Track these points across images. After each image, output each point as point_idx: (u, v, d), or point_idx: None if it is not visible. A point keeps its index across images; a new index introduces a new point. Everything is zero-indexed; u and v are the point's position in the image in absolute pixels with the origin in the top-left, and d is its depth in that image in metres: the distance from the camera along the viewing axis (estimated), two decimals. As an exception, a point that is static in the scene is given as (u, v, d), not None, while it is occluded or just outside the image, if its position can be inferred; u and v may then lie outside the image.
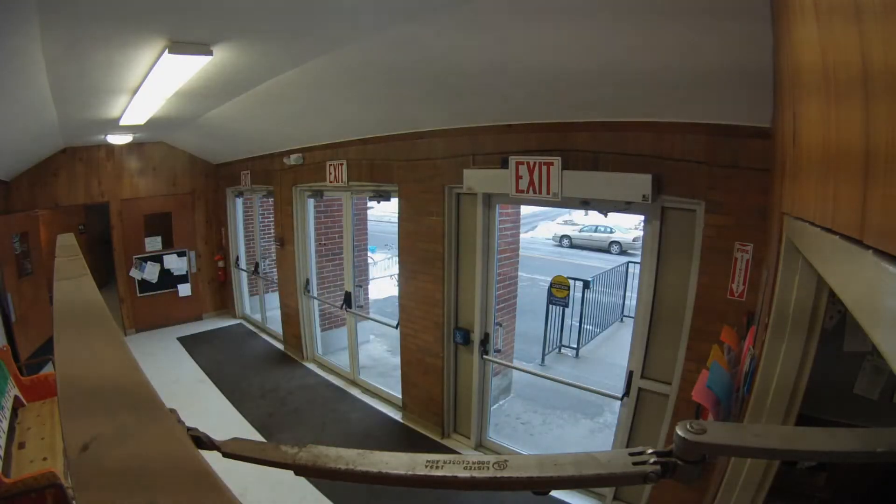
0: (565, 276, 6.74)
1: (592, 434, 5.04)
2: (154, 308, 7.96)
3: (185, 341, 7.52)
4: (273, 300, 7.50)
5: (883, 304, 0.55)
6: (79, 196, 7.23)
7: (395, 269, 5.13)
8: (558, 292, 6.54)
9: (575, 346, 7.39)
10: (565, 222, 18.28)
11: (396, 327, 4.97)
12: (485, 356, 4.30)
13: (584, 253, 16.07)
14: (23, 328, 5.86)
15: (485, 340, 4.27)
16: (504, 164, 3.55)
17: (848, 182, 0.70)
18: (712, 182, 2.69)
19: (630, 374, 3.29)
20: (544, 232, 19.10)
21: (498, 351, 4.40)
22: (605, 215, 4.12)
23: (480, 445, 4.50)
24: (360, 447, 0.61)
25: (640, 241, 4.18)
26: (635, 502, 3.42)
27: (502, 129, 3.64)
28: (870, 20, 0.57)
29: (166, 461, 0.41)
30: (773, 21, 1.66)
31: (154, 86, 3.59)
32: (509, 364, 5.15)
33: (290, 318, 6.78)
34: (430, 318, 4.51)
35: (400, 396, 5.10)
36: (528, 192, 3.44)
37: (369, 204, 6.02)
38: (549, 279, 6.88)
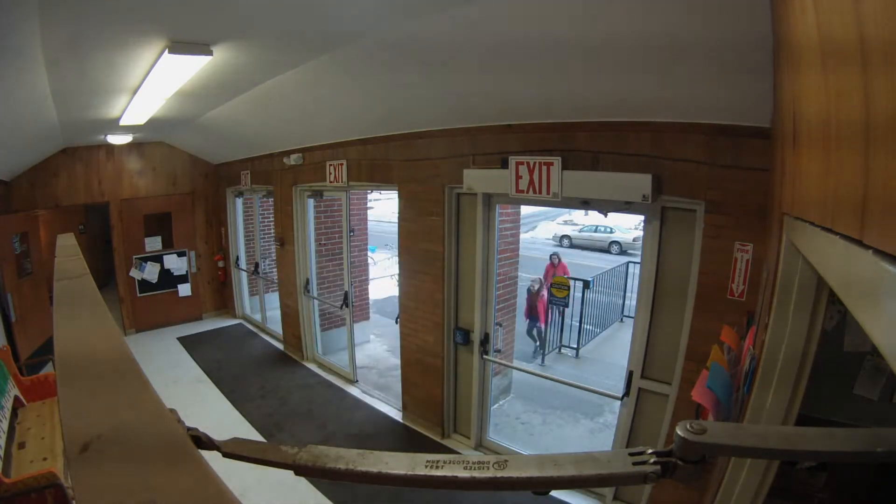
0: (565, 276, 6.75)
1: (592, 434, 5.04)
2: (154, 308, 7.96)
3: (185, 341, 7.52)
4: (273, 300, 7.50)
5: (883, 304, 0.55)
6: (79, 196, 7.23)
7: (396, 269, 5.13)
8: (558, 292, 6.55)
9: (575, 346, 7.39)
10: (565, 222, 18.26)
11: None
12: (485, 356, 4.30)
13: (584, 253, 16.05)
14: (23, 328, 5.85)
15: (485, 340, 4.27)
16: (504, 164, 3.55)
17: (848, 182, 0.70)
18: (712, 182, 2.69)
19: (630, 374, 3.29)
20: (544, 232, 19.08)
21: (498, 351, 4.40)
22: (605, 215, 4.12)
23: (480, 445, 4.50)
24: (360, 447, 0.61)
25: (640, 242, 4.20)
26: (635, 502, 3.42)
27: (502, 129, 3.64)
28: (870, 23, 0.57)
29: (166, 461, 0.41)
30: (773, 24, 1.66)
31: (154, 86, 3.59)
32: (509, 364, 5.15)
33: (290, 318, 6.78)
34: (430, 317, 4.51)
35: (400, 396, 5.10)
36: (528, 192, 3.44)
37: (369, 204, 6.02)
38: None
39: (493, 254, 4.14)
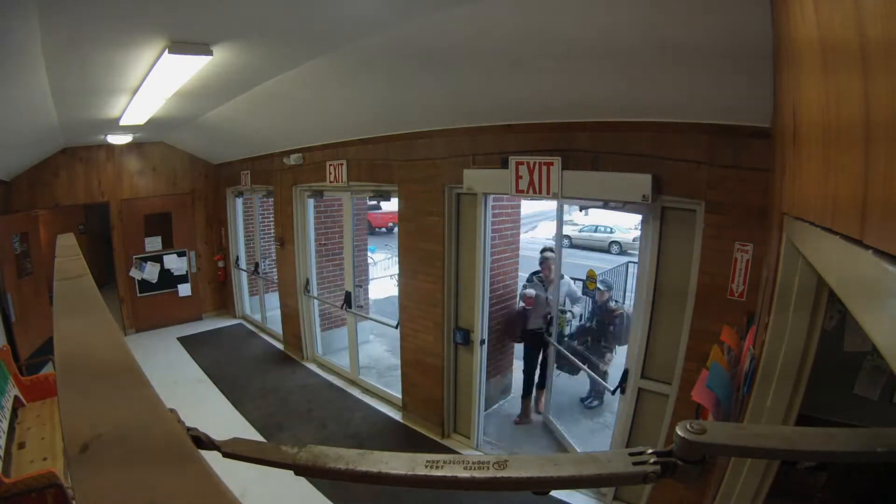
0: (565, 275, 6.76)
1: (592, 434, 5.04)
2: (154, 308, 7.95)
3: (185, 341, 7.52)
4: (273, 300, 7.50)
5: (883, 304, 0.55)
6: (79, 196, 7.23)
7: (395, 269, 5.14)
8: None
9: (575, 346, 7.38)
10: (565, 222, 18.27)
11: (397, 327, 4.98)
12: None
13: (584, 253, 16.05)
14: (23, 328, 5.85)
15: (485, 341, 4.27)
16: (504, 164, 3.55)
17: (848, 182, 0.70)
18: (712, 182, 2.69)
19: (626, 372, 3.29)
20: (544, 232, 19.08)
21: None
22: (623, 205, 4.01)
23: (480, 445, 4.50)
24: (360, 447, 0.61)
25: (640, 241, 4.20)
26: (635, 502, 3.42)
27: (502, 129, 3.64)
28: (869, 13, 0.57)
29: (166, 461, 0.41)
30: (773, 25, 1.66)
31: (154, 86, 3.59)
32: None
33: (290, 318, 6.78)
34: (430, 318, 4.51)
35: (400, 396, 5.10)
36: (528, 192, 3.44)
37: (369, 204, 6.02)
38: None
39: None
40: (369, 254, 8.21)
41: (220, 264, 8.55)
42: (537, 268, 5.05)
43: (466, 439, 4.53)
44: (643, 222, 3.21)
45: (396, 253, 5.14)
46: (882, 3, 0.53)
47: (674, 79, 2.49)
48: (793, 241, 1.36)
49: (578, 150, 3.22)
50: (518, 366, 5.43)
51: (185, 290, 8.23)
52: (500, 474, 0.57)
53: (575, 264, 13.62)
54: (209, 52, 2.82)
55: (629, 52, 2.37)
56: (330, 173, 5.44)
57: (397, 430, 4.91)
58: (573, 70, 2.72)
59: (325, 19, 2.54)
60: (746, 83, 2.20)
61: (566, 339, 4.95)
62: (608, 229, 16.37)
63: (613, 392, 3.38)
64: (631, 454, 0.59)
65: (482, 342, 4.28)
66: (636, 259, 8.96)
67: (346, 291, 6.04)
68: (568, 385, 5.36)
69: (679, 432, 0.57)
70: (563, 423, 4.74)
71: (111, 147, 7.22)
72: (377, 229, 17.39)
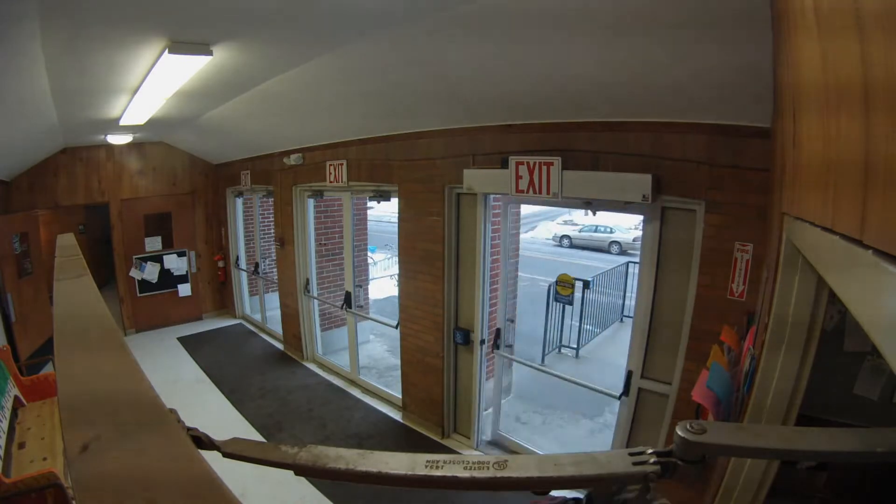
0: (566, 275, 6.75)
1: (592, 434, 5.04)
2: (154, 308, 7.96)
3: (185, 341, 7.52)
4: (273, 300, 7.51)
5: (883, 304, 0.55)
6: (79, 196, 7.24)
7: (395, 269, 5.13)
8: (563, 290, 6.57)
9: (575, 346, 7.39)
10: (565, 222, 18.28)
11: (397, 327, 4.98)
12: (496, 350, 4.34)
13: (584, 253, 16.06)
14: (23, 328, 5.85)
15: (496, 336, 4.32)
16: (504, 164, 3.55)
17: (848, 182, 0.70)
18: (712, 182, 2.69)
19: (629, 374, 3.29)
20: (544, 232, 19.09)
21: (510, 346, 4.43)
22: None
23: (480, 445, 4.50)
24: (360, 447, 0.61)
25: (640, 242, 4.18)
26: (635, 502, 3.42)
27: (502, 129, 3.64)
28: (871, 29, 0.57)
29: (166, 461, 0.41)
30: (773, 25, 1.66)
31: (154, 86, 3.59)
32: (516, 359, 5.15)
33: (290, 318, 6.78)
34: (430, 318, 4.51)
35: (400, 396, 5.10)
36: (528, 192, 3.44)
37: (369, 204, 6.02)
38: (549, 279, 6.87)
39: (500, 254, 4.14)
40: (369, 254, 8.22)
41: (220, 264, 8.55)
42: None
43: (466, 439, 4.53)
44: (643, 222, 3.21)
45: (396, 253, 5.13)
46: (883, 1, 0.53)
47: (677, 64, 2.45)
48: (793, 241, 1.36)
49: (578, 150, 3.22)
50: (518, 367, 5.43)
51: (185, 290, 8.24)
52: (500, 474, 0.57)
53: (575, 264, 13.64)
54: (209, 52, 2.82)
55: (633, 18, 2.26)
56: (330, 173, 5.44)
57: (397, 430, 4.91)
58: (575, 43, 2.58)
59: (326, 18, 2.54)
60: (747, 81, 2.20)
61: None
62: (608, 229, 16.39)
63: (619, 397, 3.37)
64: (631, 454, 0.59)
65: (482, 342, 4.28)
66: (636, 259, 8.97)
67: (346, 291, 6.05)
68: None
69: (679, 432, 0.57)
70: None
71: (111, 147, 7.22)
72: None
